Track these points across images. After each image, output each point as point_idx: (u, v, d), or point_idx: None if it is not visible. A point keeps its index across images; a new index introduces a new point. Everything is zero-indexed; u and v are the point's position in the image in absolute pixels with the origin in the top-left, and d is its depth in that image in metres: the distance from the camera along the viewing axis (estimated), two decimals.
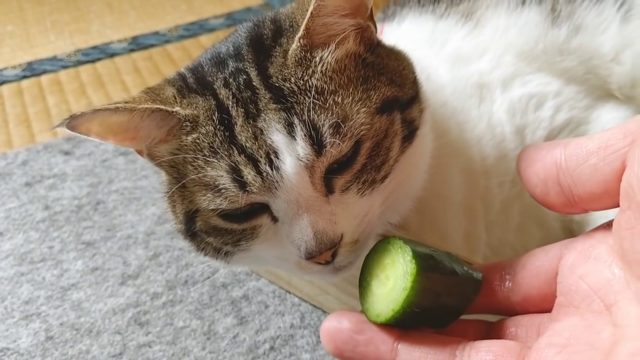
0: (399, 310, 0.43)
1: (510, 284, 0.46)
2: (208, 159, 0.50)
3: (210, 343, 0.80)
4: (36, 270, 0.93)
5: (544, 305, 0.44)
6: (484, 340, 0.42)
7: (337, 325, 0.45)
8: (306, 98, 0.49)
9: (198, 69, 0.56)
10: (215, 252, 0.57)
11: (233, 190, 0.49)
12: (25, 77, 1.45)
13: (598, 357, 0.35)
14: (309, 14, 0.50)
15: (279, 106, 0.50)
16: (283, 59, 0.52)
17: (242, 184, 0.49)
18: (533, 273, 0.44)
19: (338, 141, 0.49)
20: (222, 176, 0.49)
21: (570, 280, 0.41)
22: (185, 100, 0.53)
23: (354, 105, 0.51)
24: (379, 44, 0.58)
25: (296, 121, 0.49)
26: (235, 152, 0.49)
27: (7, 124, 1.29)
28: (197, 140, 0.51)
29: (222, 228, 0.53)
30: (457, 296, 0.45)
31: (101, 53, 1.53)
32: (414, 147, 0.56)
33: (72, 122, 0.50)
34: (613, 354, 0.34)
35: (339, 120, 0.49)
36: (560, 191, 0.42)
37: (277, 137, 0.49)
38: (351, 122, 0.50)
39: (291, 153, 0.48)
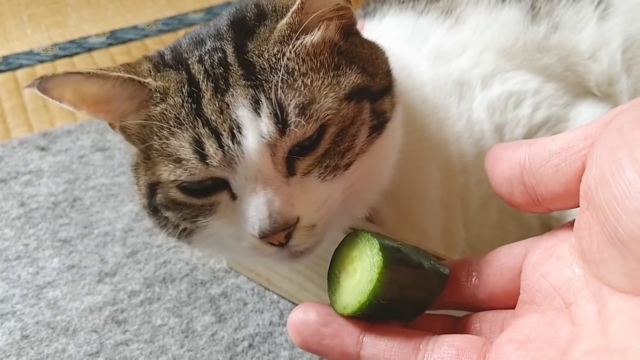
0: (365, 302, 0.43)
1: (476, 281, 0.46)
2: (172, 129, 0.51)
3: (189, 341, 0.79)
4: (11, 268, 0.91)
5: (508, 302, 0.44)
6: (447, 335, 0.43)
7: (303, 317, 0.45)
8: (275, 77, 0.50)
9: (176, 47, 0.57)
10: (174, 229, 0.57)
11: (193, 162, 0.50)
12: (0, 71, 1.42)
13: (555, 354, 0.36)
14: None
15: (249, 83, 0.50)
16: (269, 34, 0.53)
17: (202, 156, 0.50)
18: (498, 270, 0.45)
19: (303, 122, 0.49)
20: (184, 147, 0.50)
21: (533, 278, 0.41)
22: (159, 74, 0.54)
23: (322, 89, 0.51)
24: (356, 32, 0.58)
25: (263, 98, 0.49)
26: (200, 124, 0.50)
27: None
28: (165, 111, 0.52)
29: (181, 202, 0.54)
30: (423, 289, 0.45)
31: (79, 47, 1.50)
32: (383, 139, 0.56)
33: (44, 84, 0.50)
34: (569, 352, 0.35)
35: (305, 102, 0.50)
36: (525, 191, 0.42)
37: (242, 112, 0.49)
38: (318, 105, 0.50)
39: (254, 129, 0.49)
